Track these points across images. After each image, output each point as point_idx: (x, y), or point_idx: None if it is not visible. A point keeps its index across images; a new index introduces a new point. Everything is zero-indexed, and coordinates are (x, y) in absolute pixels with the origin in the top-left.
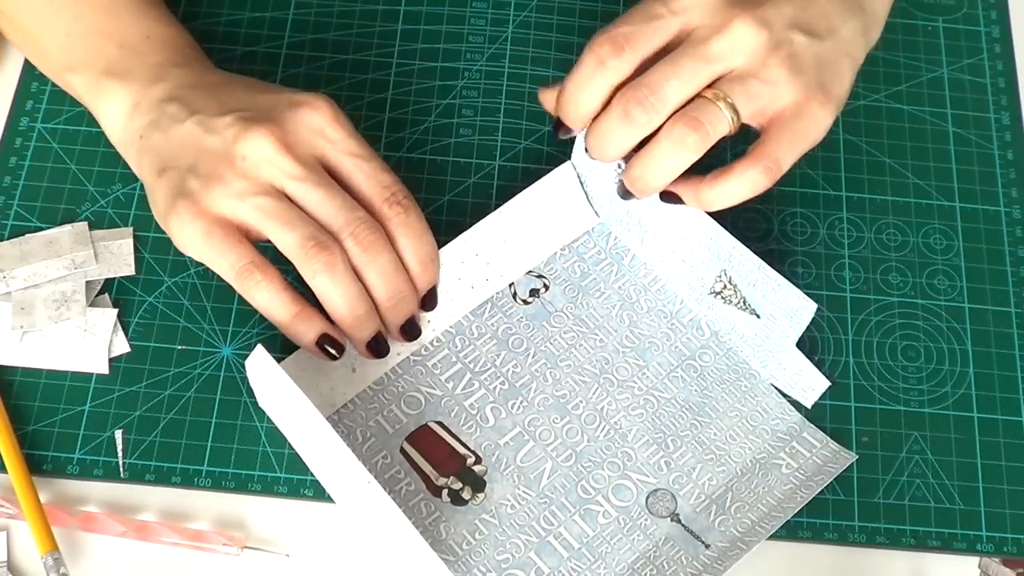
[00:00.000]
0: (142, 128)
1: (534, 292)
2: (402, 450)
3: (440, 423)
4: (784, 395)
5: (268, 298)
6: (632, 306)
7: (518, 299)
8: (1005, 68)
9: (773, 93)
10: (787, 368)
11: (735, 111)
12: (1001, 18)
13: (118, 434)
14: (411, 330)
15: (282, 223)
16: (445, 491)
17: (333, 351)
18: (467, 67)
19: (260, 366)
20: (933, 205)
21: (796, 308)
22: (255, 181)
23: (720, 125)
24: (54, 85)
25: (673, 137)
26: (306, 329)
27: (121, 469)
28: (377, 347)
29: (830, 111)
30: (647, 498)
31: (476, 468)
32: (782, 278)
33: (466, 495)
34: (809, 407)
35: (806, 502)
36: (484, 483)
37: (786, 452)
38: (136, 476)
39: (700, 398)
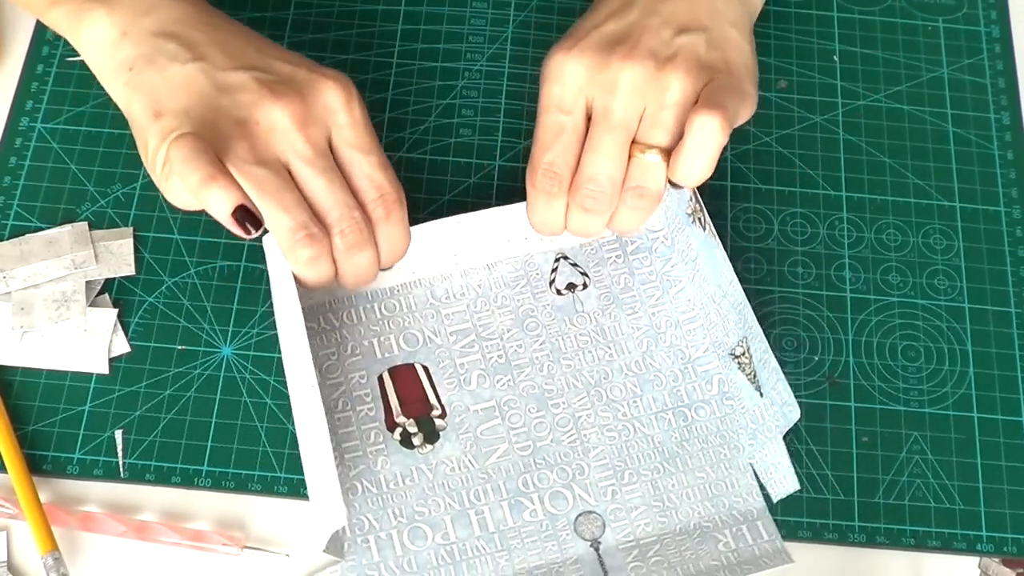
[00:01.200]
0: (132, 60)
1: (571, 286)
2: (380, 378)
3: (426, 368)
4: (759, 479)
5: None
6: (656, 336)
7: (553, 287)
8: (1005, 68)
9: (682, 100)
10: (768, 456)
11: (660, 150)
12: (1001, 18)
13: (118, 434)
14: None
15: (277, 203)
16: (399, 430)
17: (249, 226)
18: (467, 67)
19: (274, 245)
20: (933, 205)
21: (785, 403)
22: (264, 150)
23: (655, 171)
24: (54, 85)
25: (629, 206)
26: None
27: (121, 469)
28: None
29: (738, 76)
30: (579, 516)
31: (437, 421)
32: (781, 372)
33: (416, 441)
34: (775, 501)
35: None
36: (437, 437)
37: (731, 532)
38: (136, 476)
39: (676, 447)
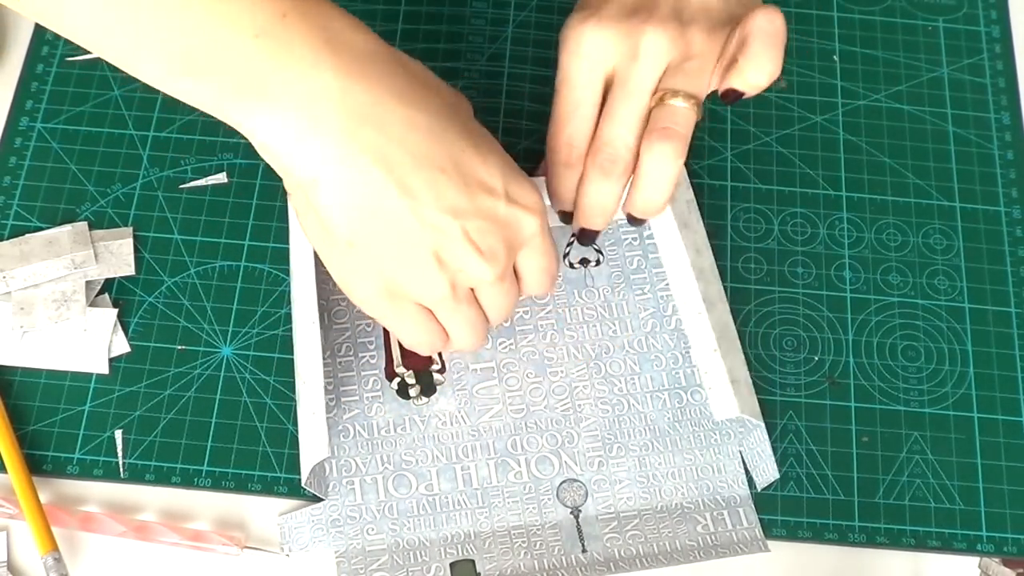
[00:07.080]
0: (320, 169)
1: (584, 261)
2: (386, 328)
3: None
4: (746, 467)
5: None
6: (662, 319)
7: (566, 260)
8: (1005, 68)
9: (708, 55)
10: (754, 443)
11: (685, 95)
12: (1001, 18)
13: (118, 434)
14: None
15: (470, 339)
16: (397, 380)
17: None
18: (467, 67)
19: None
20: (933, 205)
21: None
22: (463, 287)
23: (682, 114)
24: (54, 85)
25: (654, 153)
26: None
27: (121, 469)
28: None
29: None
30: (562, 482)
31: (436, 376)
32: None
33: (412, 392)
34: (758, 489)
35: (691, 563)
36: (434, 391)
37: (712, 515)
38: (136, 476)
39: (668, 427)
